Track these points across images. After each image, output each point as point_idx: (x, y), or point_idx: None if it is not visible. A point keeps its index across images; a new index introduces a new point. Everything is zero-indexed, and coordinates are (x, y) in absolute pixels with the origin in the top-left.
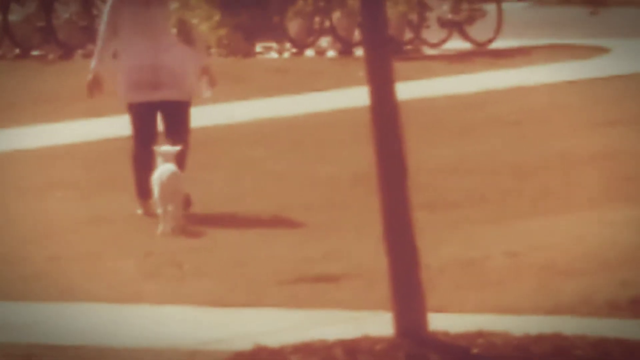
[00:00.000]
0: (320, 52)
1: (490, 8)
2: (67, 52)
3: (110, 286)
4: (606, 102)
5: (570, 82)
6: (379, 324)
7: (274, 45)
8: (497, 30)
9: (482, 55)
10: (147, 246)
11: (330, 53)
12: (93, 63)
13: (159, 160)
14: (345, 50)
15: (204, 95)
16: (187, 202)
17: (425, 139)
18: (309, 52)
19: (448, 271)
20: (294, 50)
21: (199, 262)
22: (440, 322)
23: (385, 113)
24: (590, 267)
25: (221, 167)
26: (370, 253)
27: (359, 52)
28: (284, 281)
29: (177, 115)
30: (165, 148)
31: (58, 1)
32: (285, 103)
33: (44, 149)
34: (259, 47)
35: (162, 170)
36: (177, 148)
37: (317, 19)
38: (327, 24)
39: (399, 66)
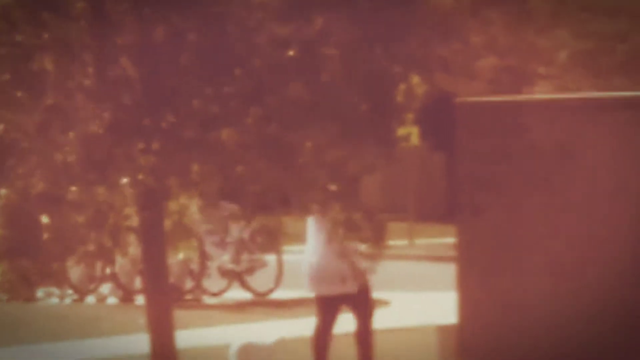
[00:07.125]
0: (102, 299)
1: (271, 258)
2: None
3: None
4: None
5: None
6: None
7: (55, 290)
8: (278, 281)
9: (262, 304)
10: None
11: (112, 300)
12: None
13: None
14: (127, 297)
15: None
16: None
17: None
18: (90, 298)
19: None
20: (76, 296)
21: None
22: None
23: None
24: None
25: None
26: None
27: (141, 299)
28: None
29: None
30: None
31: None
32: (66, 348)
33: None
34: (40, 292)
35: None
36: None
37: (98, 266)
38: (108, 270)
39: (179, 314)
